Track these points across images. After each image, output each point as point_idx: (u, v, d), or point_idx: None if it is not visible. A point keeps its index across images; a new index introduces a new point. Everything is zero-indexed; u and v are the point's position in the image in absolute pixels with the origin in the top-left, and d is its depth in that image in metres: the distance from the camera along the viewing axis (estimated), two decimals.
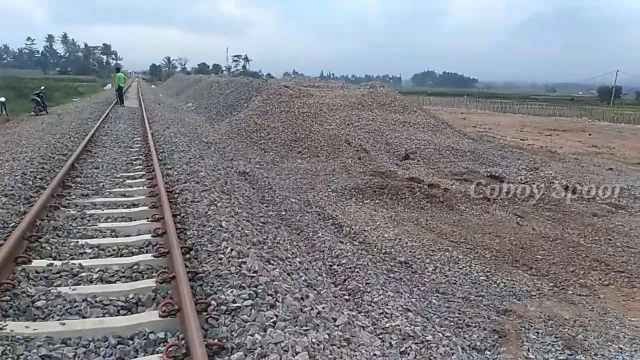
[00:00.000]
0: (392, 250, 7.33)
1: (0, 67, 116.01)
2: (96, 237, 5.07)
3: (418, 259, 7.09)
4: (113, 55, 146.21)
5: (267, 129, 16.63)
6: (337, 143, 15.71)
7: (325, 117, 17.33)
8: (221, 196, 6.45)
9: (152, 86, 73.29)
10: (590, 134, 28.43)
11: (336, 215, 9.04)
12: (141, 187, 7.24)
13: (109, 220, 5.74)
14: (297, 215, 8.02)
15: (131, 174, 8.27)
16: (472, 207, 10.35)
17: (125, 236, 5.17)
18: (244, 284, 3.61)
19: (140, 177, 7.98)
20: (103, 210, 6.07)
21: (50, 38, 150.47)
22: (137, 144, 11.61)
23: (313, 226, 7.51)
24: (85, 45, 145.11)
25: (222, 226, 4.99)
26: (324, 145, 15.57)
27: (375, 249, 7.28)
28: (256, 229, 5.57)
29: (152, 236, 5.02)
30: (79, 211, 5.94)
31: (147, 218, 5.65)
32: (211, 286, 3.73)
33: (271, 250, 4.89)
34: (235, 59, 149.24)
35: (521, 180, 13.46)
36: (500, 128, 32.15)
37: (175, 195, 6.56)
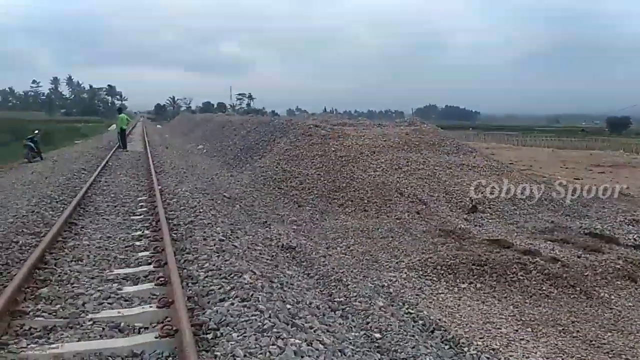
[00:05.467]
0: None
1: (6, 109, 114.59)
2: None
3: None
4: (118, 96, 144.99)
5: (299, 177, 13.71)
6: (386, 193, 12.74)
7: (368, 161, 14.40)
8: (293, 338, 3.43)
9: (158, 126, 71.46)
10: None
11: (439, 320, 6.00)
12: (148, 307, 4.24)
13: None
14: (401, 343, 4.92)
15: (132, 270, 5.28)
16: (617, 293, 7.26)
17: None
18: None
19: (146, 279, 5.00)
20: None
21: (55, 80, 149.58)
22: (142, 208, 8.64)
23: None
24: (90, 86, 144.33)
25: None
26: (370, 195, 12.61)
27: None
28: None
29: None
30: None
31: None
32: None
33: None
34: (240, 97, 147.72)
35: (635, 240, 10.42)
36: (541, 165, 29.12)
37: (209, 336, 3.55)
